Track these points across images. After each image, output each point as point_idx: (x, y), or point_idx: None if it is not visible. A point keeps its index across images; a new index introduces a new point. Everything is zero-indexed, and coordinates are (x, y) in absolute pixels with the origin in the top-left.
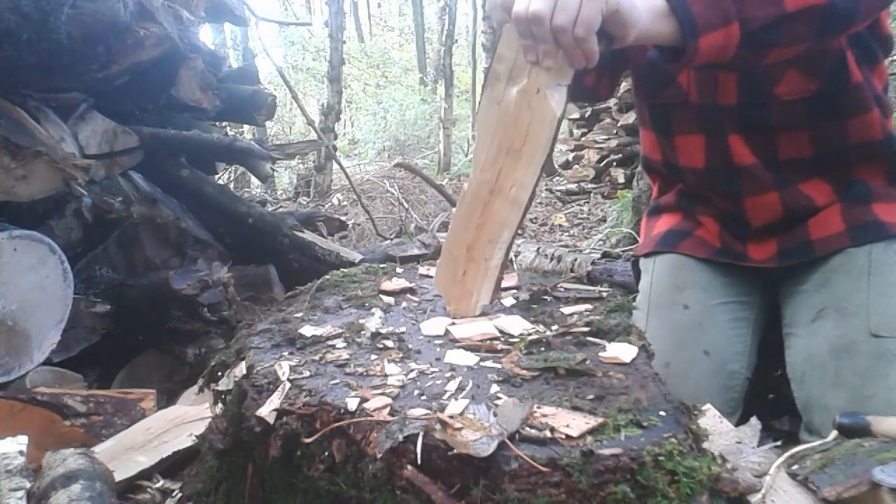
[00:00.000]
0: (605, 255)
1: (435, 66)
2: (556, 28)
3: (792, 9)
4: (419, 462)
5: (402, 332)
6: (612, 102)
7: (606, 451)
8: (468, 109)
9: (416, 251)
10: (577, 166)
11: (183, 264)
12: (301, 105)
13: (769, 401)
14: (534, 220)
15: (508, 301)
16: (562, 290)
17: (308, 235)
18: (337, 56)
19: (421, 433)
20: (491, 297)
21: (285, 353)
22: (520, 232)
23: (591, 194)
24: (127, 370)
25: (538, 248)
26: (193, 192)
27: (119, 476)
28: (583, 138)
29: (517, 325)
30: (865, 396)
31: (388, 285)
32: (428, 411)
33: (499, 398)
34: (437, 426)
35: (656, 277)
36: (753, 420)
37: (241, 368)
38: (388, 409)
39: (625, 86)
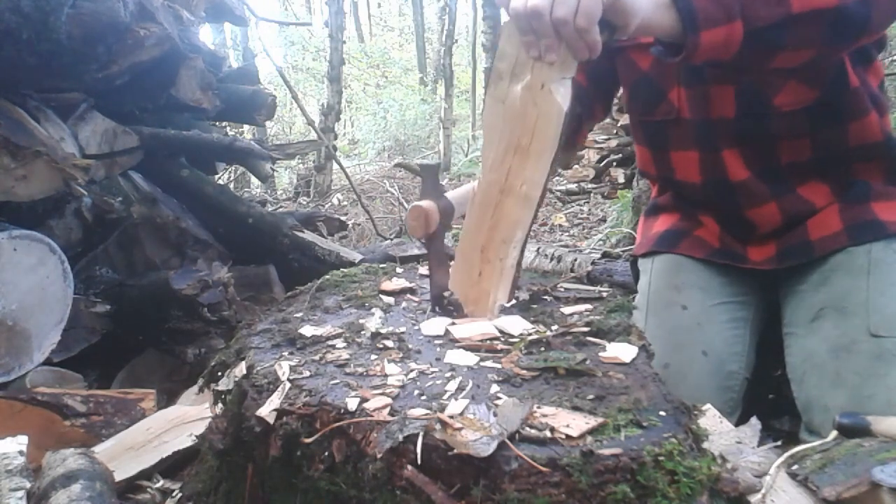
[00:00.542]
0: (605, 255)
1: (435, 66)
2: (557, 20)
3: (798, 10)
4: (419, 462)
5: (402, 332)
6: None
7: (606, 451)
8: (468, 109)
9: (416, 251)
10: (577, 166)
11: (183, 264)
12: (301, 105)
13: (769, 401)
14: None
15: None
16: (562, 290)
17: (308, 235)
18: (337, 56)
19: (421, 433)
20: (508, 296)
21: (285, 353)
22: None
23: (591, 194)
24: (127, 370)
25: (538, 248)
26: (193, 192)
27: (119, 476)
28: None
29: (517, 325)
30: (865, 396)
31: (388, 285)
32: (428, 411)
33: (499, 398)
34: (437, 426)
35: (655, 278)
36: (753, 420)
37: (241, 368)
38: (388, 409)
39: None
